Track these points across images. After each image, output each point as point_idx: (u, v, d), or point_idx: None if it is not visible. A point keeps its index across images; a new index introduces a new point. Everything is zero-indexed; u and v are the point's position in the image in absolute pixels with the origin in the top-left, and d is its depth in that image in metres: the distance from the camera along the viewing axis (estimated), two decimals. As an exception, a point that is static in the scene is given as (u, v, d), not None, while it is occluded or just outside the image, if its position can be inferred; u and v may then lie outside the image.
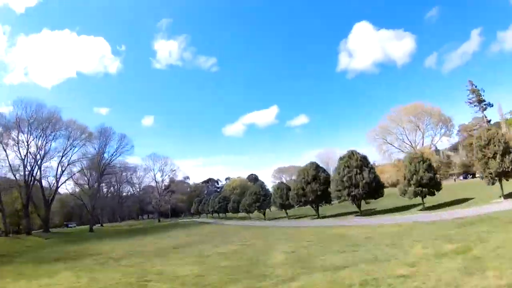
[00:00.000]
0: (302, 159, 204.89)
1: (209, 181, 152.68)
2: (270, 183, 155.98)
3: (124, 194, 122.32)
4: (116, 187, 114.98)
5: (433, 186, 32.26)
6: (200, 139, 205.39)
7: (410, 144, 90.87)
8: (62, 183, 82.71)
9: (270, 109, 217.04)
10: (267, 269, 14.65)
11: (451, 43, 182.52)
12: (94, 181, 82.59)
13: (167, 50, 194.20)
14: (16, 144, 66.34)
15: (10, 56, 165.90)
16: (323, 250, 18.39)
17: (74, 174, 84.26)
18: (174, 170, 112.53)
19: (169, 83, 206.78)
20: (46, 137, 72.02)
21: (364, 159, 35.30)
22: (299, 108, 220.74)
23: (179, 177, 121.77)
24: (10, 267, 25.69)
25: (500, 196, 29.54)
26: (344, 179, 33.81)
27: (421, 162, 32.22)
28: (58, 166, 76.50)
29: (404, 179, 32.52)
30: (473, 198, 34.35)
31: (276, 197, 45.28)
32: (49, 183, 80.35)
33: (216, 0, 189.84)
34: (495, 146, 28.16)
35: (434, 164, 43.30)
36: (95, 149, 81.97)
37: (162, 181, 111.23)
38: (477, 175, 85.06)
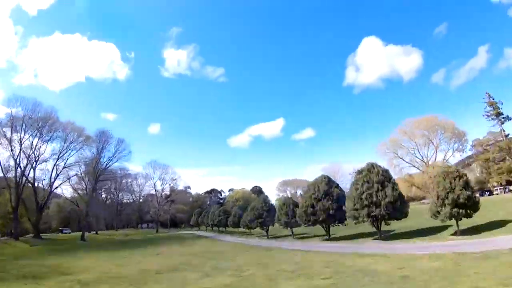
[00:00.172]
0: (307, 173, 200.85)
1: (212, 192, 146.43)
2: (274, 196, 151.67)
3: (124, 201, 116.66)
4: (115, 194, 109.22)
5: (470, 206, 26.16)
6: (206, 149, 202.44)
7: (421, 158, 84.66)
8: (56, 187, 77.54)
9: (276, 122, 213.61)
10: None
11: (458, 59, 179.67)
12: (90, 186, 77.07)
13: (176, 59, 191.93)
14: (9, 144, 61.57)
15: (21, 57, 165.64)
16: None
17: (69, 178, 79.28)
18: (175, 179, 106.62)
19: (176, 91, 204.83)
20: (41, 137, 67.30)
21: (386, 173, 29.16)
22: (305, 122, 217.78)
23: (180, 186, 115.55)
24: None
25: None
26: (363, 196, 27.71)
27: (457, 178, 26.15)
28: (53, 169, 71.65)
29: (437, 198, 26.36)
30: (511, 221, 28.33)
31: (281, 214, 38.87)
32: (43, 186, 75.60)
33: (226, 12, 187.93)
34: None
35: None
36: (93, 153, 77.24)
37: (162, 190, 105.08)
38: (495, 192, 79.82)
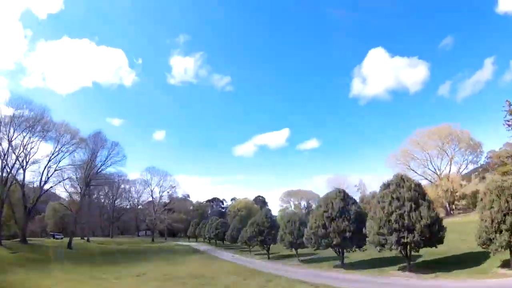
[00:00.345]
0: (312, 183, 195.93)
1: (214, 200, 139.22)
2: (277, 207, 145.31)
3: (123, 206, 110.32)
4: (111, 199, 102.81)
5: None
6: (210, 157, 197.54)
7: (434, 170, 77.66)
8: (46, 190, 71.60)
9: (282, 132, 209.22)
10: None
11: (464, 71, 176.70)
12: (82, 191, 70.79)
13: (183, 66, 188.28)
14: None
15: (29, 60, 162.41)
16: None
17: (60, 181, 73.03)
18: (174, 186, 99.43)
19: (182, 99, 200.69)
20: (32, 135, 61.96)
21: (419, 187, 22.29)
22: (310, 132, 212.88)
23: (180, 194, 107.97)
24: None
25: None
26: (392, 217, 21.06)
27: (518, 197, 19.50)
28: (43, 171, 65.86)
29: (492, 222, 19.56)
30: None
31: (285, 233, 31.56)
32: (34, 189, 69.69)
33: (234, 21, 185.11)
34: None
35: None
36: (87, 156, 71.39)
37: (161, 197, 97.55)
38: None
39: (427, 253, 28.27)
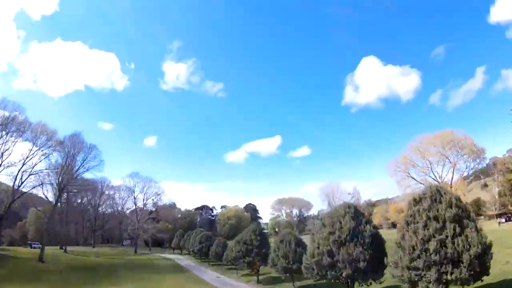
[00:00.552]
0: (303, 191, 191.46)
1: (203, 208, 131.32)
2: (268, 215, 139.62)
3: (107, 214, 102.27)
4: (94, 207, 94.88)
5: None
6: (201, 163, 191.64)
7: (434, 178, 71.70)
8: (19, 196, 64.34)
9: (274, 139, 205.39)
10: None
11: (456, 80, 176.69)
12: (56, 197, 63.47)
13: (176, 72, 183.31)
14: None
15: (21, 62, 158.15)
16: None
17: (34, 187, 65.53)
18: (159, 193, 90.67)
19: (174, 105, 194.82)
20: (6, 135, 55.13)
21: (459, 201, 16.11)
22: (301, 140, 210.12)
23: (165, 201, 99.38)
24: None
25: None
26: (431, 245, 14.17)
27: None
28: (17, 175, 58.62)
29: None
30: None
31: (278, 256, 24.33)
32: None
33: (227, 28, 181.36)
34: None
35: None
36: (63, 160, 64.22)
37: (145, 205, 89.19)
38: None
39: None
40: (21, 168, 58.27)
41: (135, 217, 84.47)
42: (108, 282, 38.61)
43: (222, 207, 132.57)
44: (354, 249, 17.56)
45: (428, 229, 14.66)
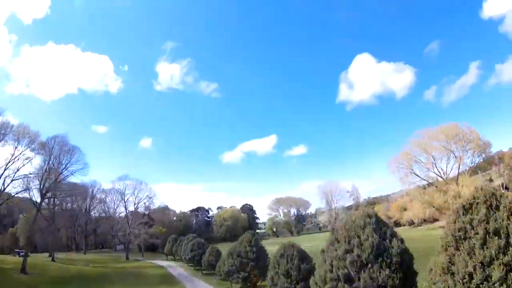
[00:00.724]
0: (300, 190, 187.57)
1: (199, 209, 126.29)
2: (266, 216, 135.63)
3: (100, 218, 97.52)
4: (85, 211, 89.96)
5: None
6: (197, 164, 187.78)
7: (438, 174, 67.78)
8: (1, 203, 59.89)
9: (269, 138, 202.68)
10: None
11: (450, 76, 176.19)
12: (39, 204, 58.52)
13: (169, 73, 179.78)
14: None
15: (13, 66, 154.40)
16: None
17: (17, 193, 61.18)
18: (151, 197, 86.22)
19: (169, 106, 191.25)
20: None
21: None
22: (297, 138, 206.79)
23: (157, 205, 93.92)
24: None
25: None
26: (494, 273, 10.06)
27: None
28: (-2, 181, 54.20)
29: None
30: None
31: (277, 273, 19.18)
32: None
33: (221, 28, 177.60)
34: None
35: None
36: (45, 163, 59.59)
37: (136, 208, 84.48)
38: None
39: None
40: (3, 173, 54.34)
41: (126, 222, 79.45)
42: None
43: (218, 208, 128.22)
44: (380, 272, 13.13)
45: (488, 249, 10.31)
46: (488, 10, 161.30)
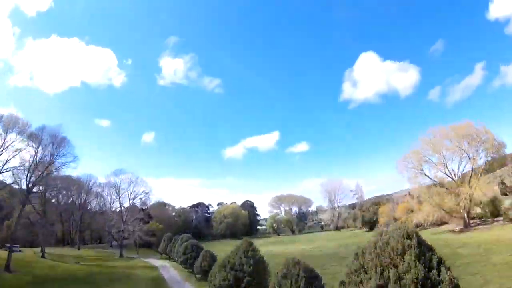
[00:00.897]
0: (302, 187, 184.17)
1: (199, 205, 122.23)
2: (267, 213, 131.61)
3: (95, 213, 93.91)
4: (80, 205, 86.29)
5: None
6: (200, 159, 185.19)
7: (449, 174, 63.33)
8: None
9: (272, 134, 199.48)
10: None
11: (454, 76, 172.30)
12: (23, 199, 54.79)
13: (173, 68, 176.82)
14: None
15: (17, 59, 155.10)
16: None
17: (6, 185, 58.44)
18: (147, 192, 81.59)
19: (172, 100, 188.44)
20: None
21: None
22: (300, 135, 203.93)
23: (153, 200, 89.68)
24: None
25: None
26: None
27: None
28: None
29: None
30: None
31: None
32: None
33: (225, 23, 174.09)
34: None
35: None
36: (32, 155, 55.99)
37: (132, 204, 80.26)
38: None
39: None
40: (-10, 166, 50.88)
41: (120, 219, 75.39)
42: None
43: (218, 204, 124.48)
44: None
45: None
46: (495, 12, 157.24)
